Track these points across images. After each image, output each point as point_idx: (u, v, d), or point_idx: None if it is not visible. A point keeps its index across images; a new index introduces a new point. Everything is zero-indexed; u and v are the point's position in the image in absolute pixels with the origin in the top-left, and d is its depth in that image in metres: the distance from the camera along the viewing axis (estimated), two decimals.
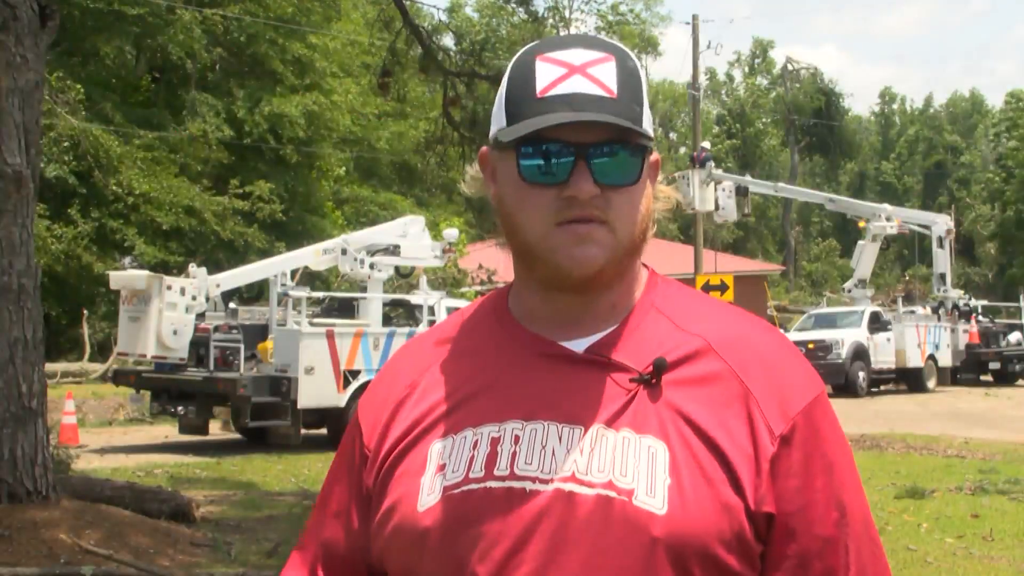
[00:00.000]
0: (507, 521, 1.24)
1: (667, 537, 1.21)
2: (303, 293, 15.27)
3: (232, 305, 17.76)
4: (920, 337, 26.24)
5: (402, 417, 1.36)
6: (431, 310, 15.89)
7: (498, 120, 1.34)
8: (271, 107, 28.56)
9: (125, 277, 15.12)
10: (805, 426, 1.29)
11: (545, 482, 1.25)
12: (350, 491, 1.40)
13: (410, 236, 17.09)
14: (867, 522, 1.33)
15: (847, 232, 56.43)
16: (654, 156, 1.35)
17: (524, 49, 1.35)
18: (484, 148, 1.39)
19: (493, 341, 1.37)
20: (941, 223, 28.98)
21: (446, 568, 1.26)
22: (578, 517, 1.23)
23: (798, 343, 21.79)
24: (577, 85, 1.27)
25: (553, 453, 1.26)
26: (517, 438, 1.28)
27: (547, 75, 1.29)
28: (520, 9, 12.26)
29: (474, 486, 1.27)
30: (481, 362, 1.36)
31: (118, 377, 16.11)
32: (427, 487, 1.29)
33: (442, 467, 1.29)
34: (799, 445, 1.28)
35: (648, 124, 1.31)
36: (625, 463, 1.25)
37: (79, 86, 23.98)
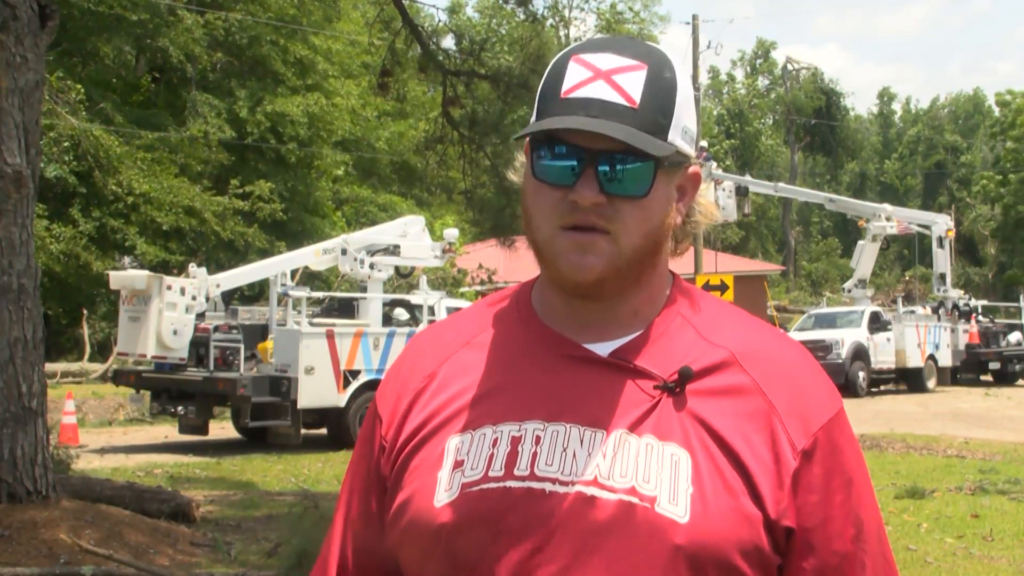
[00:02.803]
0: (526, 522, 1.24)
1: (688, 545, 1.22)
2: (303, 293, 15.27)
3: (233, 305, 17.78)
4: (920, 337, 26.24)
5: (419, 408, 1.36)
6: (431, 310, 15.90)
7: (533, 113, 1.34)
8: (273, 106, 28.58)
9: (125, 277, 15.12)
10: (826, 442, 1.30)
11: (566, 484, 1.24)
12: (371, 481, 1.40)
13: (410, 236, 17.09)
14: (882, 538, 1.34)
15: (847, 232, 56.45)
16: (692, 169, 1.35)
17: (569, 47, 1.35)
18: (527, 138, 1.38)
19: (515, 337, 1.37)
20: (941, 223, 28.98)
21: (461, 566, 1.25)
22: (599, 521, 1.23)
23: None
24: (598, 91, 1.27)
25: (574, 456, 1.26)
26: (538, 438, 1.27)
27: (574, 77, 1.29)
28: (519, 9, 12.26)
29: (493, 485, 1.26)
30: (502, 358, 1.35)
31: (118, 377, 16.11)
32: (444, 483, 1.28)
33: (460, 463, 1.28)
34: (820, 461, 1.29)
35: (678, 136, 1.30)
36: (648, 469, 1.24)
37: (79, 86, 23.99)
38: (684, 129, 1.31)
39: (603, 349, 1.32)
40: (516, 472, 1.26)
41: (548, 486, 1.24)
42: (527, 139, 1.33)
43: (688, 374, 1.29)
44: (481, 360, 1.36)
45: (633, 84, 1.28)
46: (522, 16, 12.63)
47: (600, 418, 1.27)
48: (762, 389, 1.30)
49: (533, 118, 1.32)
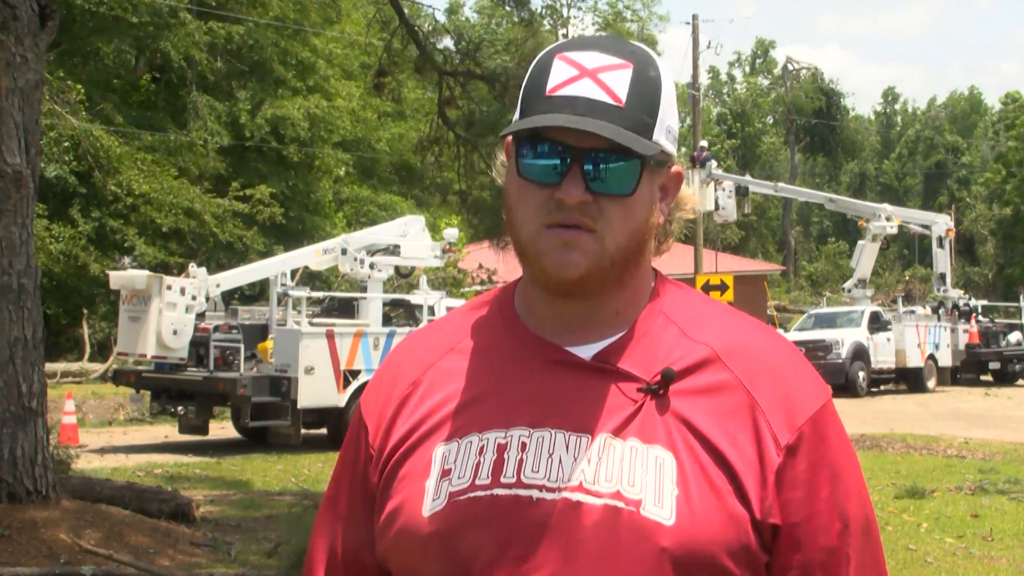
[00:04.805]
0: (514, 530, 1.23)
1: (675, 547, 1.21)
2: (303, 293, 15.28)
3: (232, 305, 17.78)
4: (920, 337, 26.25)
5: (405, 416, 1.35)
6: (431, 310, 15.90)
7: (515, 111, 1.33)
8: (273, 109, 28.59)
9: (125, 277, 15.11)
10: (811, 436, 1.29)
11: (552, 491, 1.24)
12: (357, 489, 1.39)
13: (410, 236, 17.10)
14: (869, 531, 1.33)
15: (848, 232, 56.46)
16: (674, 168, 1.35)
17: (552, 45, 1.34)
18: (508, 137, 1.37)
19: (499, 342, 1.36)
20: (941, 223, 28.98)
21: (450, 574, 1.25)
22: (585, 527, 1.22)
23: (798, 343, 21.79)
24: (584, 89, 1.26)
25: (560, 462, 1.25)
26: (524, 445, 1.27)
27: (559, 75, 1.28)
28: (515, 10, 12.23)
29: (480, 493, 1.26)
30: (486, 364, 1.35)
31: (118, 377, 16.11)
32: (432, 492, 1.28)
33: (448, 472, 1.28)
34: (804, 455, 1.28)
35: (662, 135, 1.29)
36: (633, 473, 1.24)
37: (79, 86, 23.99)
38: (668, 128, 1.31)
39: (586, 352, 1.32)
40: (503, 480, 1.25)
41: (535, 493, 1.24)
42: (508, 139, 1.33)
43: (670, 376, 1.28)
44: (466, 366, 1.36)
45: (619, 83, 1.27)
46: (518, 18, 12.61)
47: (585, 423, 1.27)
48: (745, 385, 1.29)
49: (516, 116, 1.32)
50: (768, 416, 1.28)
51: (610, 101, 1.26)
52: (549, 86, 1.28)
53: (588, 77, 1.27)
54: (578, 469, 1.24)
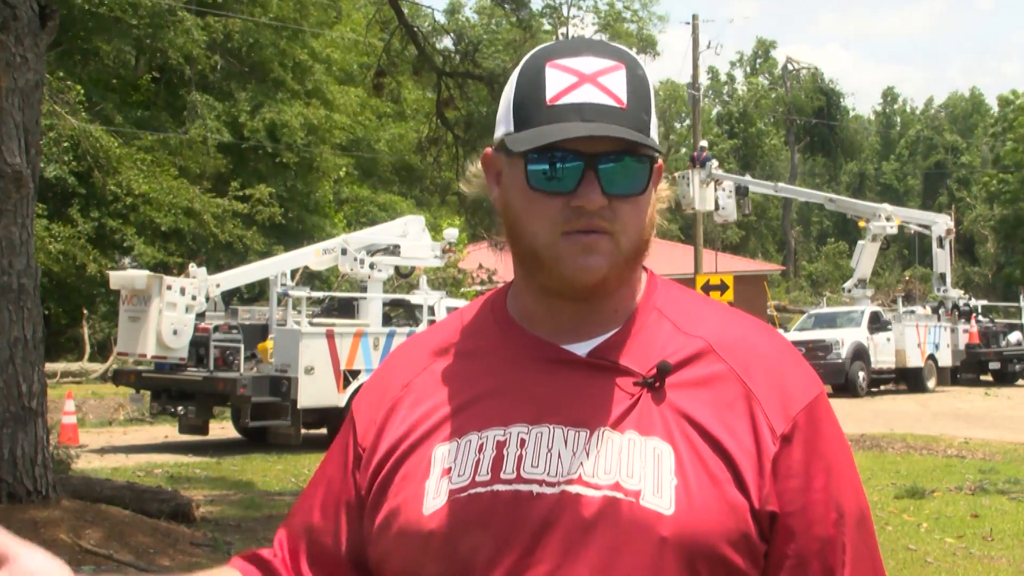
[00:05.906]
0: (515, 524, 1.24)
1: (675, 537, 1.22)
2: (303, 293, 15.28)
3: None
4: (920, 337, 26.25)
5: (399, 418, 1.35)
6: (431, 310, 15.90)
7: (505, 123, 1.32)
8: (272, 115, 28.59)
9: (125, 277, 15.11)
10: (806, 425, 1.29)
11: (552, 485, 1.25)
12: (340, 490, 1.39)
13: (410, 236, 17.10)
14: (863, 521, 1.34)
15: (848, 232, 56.48)
16: (658, 163, 1.36)
17: (533, 52, 1.34)
18: (488, 149, 1.37)
19: (494, 344, 1.37)
20: (941, 223, 28.97)
21: (452, 571, 1.25)
22: (585, 518, 1.23)
23: (798, 343, 21.79)
24: (588, 95, 1.27)
25: (559, 456, 1.26)
26: (523, 441, 1.28)
27: (558, 83, 1.28)
28: (516, 10, 12.21)
29: (480, 489, 1.26)
30: (482, 365, 1.35)
31: (118, 377, 16.11)
32: (432, 491, 1.28)
33: (447, 471, 1.28)
34: (800, 445, 1.29)
35: (655, 132, 1.31)
36: (631, 465, 1.25)
37: (79, 86, 24.00)
38: (655, 123, 1.32)
39: (582, 349, 1.32)
40: (503, 476, 1.26)
41: (535, 488, 1.25)
42: (488, 150, 1.33)
43: (666, 369, 1.29)
44: (462, 368, 1.36)
45: (617, 85, 1.28)
46: (516, 18, 12.60)
47: (583, 418, 1.28)
48: (740, 376, 1.30)
49: (510, 127, 1.31)
50: (764, 405, 1.29)
51: (614, 104, 1.27)
52: (549, 95, 1.28)
53: (589, 82, 1.28)
54: (577, 462, 1.25)
